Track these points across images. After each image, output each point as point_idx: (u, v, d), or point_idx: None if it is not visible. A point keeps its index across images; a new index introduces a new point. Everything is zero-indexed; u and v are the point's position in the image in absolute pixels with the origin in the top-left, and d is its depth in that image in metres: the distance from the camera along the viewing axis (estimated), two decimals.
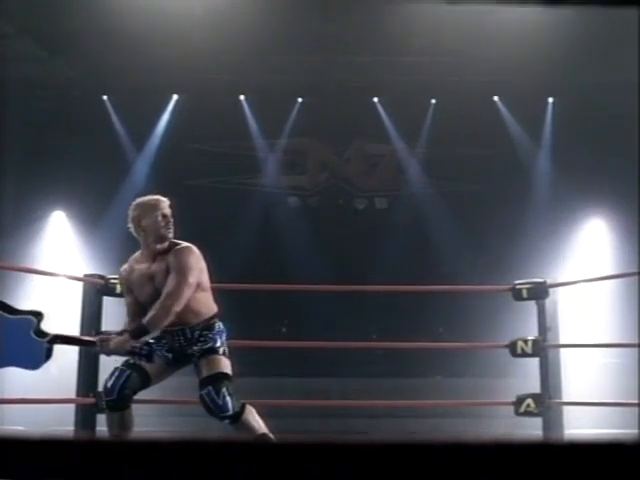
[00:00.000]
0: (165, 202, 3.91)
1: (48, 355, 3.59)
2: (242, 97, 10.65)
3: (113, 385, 3.74)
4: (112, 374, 3.78)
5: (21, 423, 6.48)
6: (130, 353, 3.76)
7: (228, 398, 3.71)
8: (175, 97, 10.57)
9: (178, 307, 3.68)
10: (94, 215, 9.90)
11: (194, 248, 3.83)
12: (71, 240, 10.24)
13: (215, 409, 3.71)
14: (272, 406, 6.36)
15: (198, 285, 3.81)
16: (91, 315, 5.10)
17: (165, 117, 10.63)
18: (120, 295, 5.15)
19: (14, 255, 8.89)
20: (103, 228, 9.44)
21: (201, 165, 10.78)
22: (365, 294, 9.39)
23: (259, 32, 8.74)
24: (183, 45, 8.92)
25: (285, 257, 10.34)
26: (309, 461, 0.75)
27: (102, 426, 4.98)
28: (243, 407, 3.77)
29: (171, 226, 3.86)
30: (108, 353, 3.73)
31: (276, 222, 10.86)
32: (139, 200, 3.93)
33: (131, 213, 3.89)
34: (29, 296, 9.28)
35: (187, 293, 3.71)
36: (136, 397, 4.83)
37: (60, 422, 5.44)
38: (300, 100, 10.66)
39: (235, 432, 3.74)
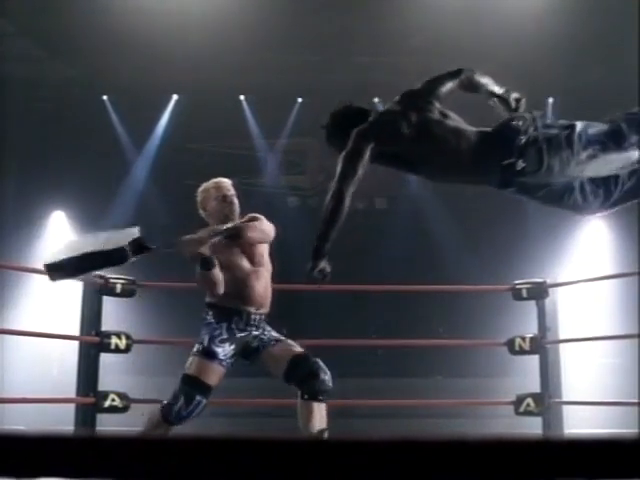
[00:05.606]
0: (226, 183, 3.91)
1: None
2: (242, 97, 10.65)
3: (188, 414, 3.69)
4: (189, 402, 3.69)
5: (21, 423, 6.48)
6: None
7: None
8: (175, 97, 10.56)
9: (250, 233, 3.78)
10: (94, 215, 9.89)
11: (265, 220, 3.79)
12: None
13: (324, 378, 3.75)
14: (272, 406, 6.37)
15: (264, 263, 3.82)
16: (91, 315, 5.10)
17: (165, 117, 10.63)
18: (120, 295, 5.16)
19: (14, 255, 8.89)
20: (103, 228, 9.41)
21: (201, 165, 10.77)
22: (365, 294, 9.40)
23: (259, 32, 8.74)
24: (183, 45, 8.92)
25: (285, 257, 10.30)
26: (308, 458, 0.75)
27: (102, 426, 4.99)
28: None
29: (235, 206, 3.85)
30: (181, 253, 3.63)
31: (276, 222, 10.82)
32: (202, 185, 3.94)
33: (198, 199, 3.90)
34: (29, 295, 9.30)
35: (252, 234, 3.75)
36: (140, 397, 4.85)
37: (60, 422, 5.43)
38: (300, 100, 10.66)
39: (305, 414, 3.73)
